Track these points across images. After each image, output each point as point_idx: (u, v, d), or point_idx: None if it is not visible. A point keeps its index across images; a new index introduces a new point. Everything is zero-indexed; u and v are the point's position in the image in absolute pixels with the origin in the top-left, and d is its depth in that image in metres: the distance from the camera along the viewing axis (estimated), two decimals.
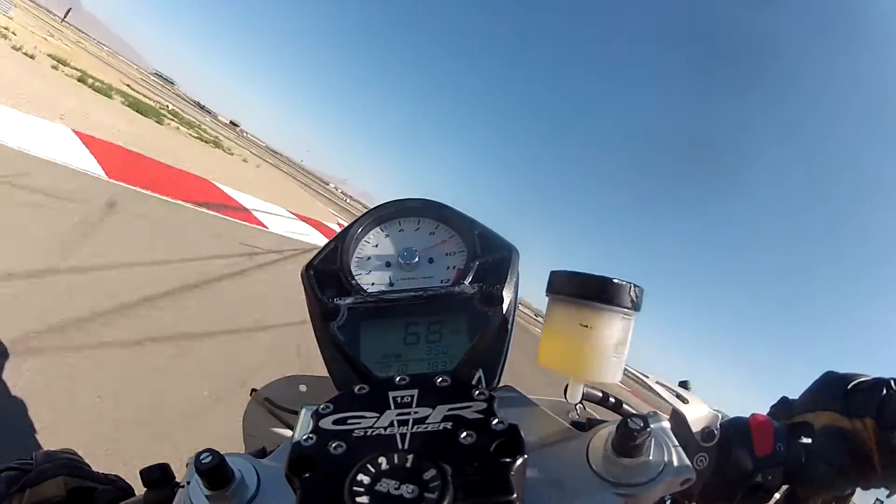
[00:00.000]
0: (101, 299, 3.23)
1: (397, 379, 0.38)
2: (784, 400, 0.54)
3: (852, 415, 0.46)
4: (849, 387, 0.47)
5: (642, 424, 0.36)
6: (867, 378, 0.48)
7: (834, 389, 0.48)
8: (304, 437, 0.33)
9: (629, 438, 0.37)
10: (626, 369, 0.51)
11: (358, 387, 0.38)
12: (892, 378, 0.47)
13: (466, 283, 0.55)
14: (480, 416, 0.33)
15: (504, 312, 0.54)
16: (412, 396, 0.36)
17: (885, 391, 0.45)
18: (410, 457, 0.30)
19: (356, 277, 0.57)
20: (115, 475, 0.56)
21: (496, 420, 0.32)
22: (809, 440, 0.48)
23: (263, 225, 8.67)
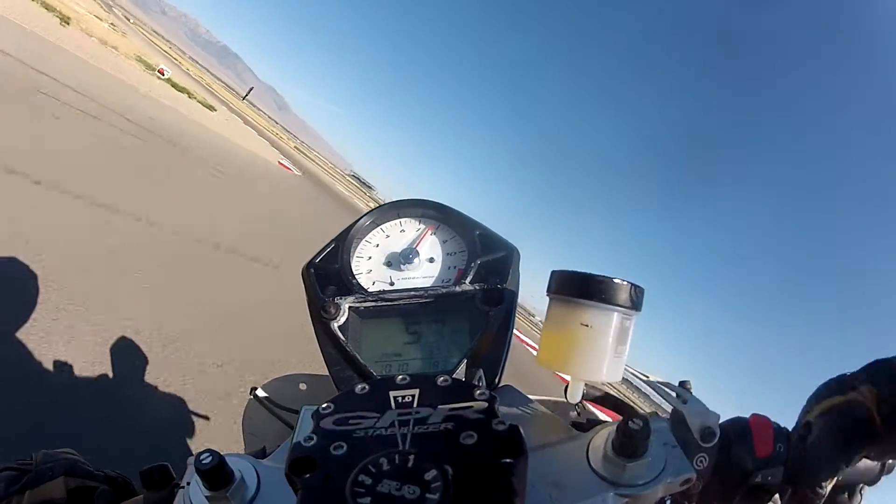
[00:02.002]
0: None
1: (398, 378, 0.38)
2: None
3: (847, 391, 0.45)
4: (846, 381, 0.47)
5: (642, 425, 0.36)
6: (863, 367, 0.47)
7: (836, 380, 0.48)
8: (305, 438, 0.33)
9: (629, 439, 0.37)
10: (626, 369, 0.51)
11: (359, 386, 0.38)
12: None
13: (467, 282, 0.55)
14: (481, 416, 0.33)
15: (505, 312, 0.54)
16: (413, 396, 0.36)
17: (876, 362, 0.44)
18: (412, 457, 0.30)
19: (357, 277, 0.57)
20: (116, 472, 0.55)
21: (497, 420, 0.32)
22: (810, 436, 0.47)
23: None
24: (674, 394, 0.49)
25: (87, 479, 0.51)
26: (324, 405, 0.36)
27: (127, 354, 2.45)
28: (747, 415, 0.48)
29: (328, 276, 0.57)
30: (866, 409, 0.43)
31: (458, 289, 0.55)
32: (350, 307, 0.54)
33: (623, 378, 0.51)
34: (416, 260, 0.58)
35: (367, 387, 0.38)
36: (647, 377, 0.54)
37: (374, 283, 0.57)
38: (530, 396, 0.52)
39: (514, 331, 0.56)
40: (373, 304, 0.55)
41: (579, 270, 0.49)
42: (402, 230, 0.61)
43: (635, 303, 0.48)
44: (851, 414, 0.44)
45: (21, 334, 2.10)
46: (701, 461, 0.43)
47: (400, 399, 0.36)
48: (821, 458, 0.44)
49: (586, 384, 0.53)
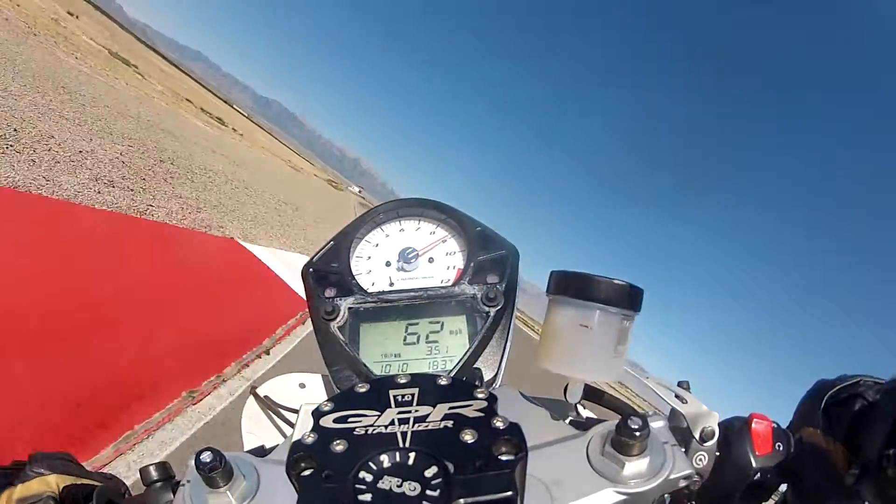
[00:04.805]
0: None
1: (398, 378, 0.38)
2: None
3: (827, 433, 0.46)
4: (826, 398, 0.47)
5: (641, 424, 0.37)
6: (847, 383, 0.47)
7: (815, 402, 0.48)
8: (305, 435, 0.33)
9: (629, 438, 0.37)
10: (625, 369, 0.51)
11: (359, 385, 0.38)
12: (872, 387, 0.45)
13: (466, 282, 0.55)
14: (481, 414, 0.33)
15: (504, 312, 0.54)
16: (413, 395, 0.36)
17: (857, 407, 0.45)
18: (412, 455, 0.30)
19: (356, 277, 0.57)
20: (110, 474, 0.55)
21: (497, 419, 0.32)
22: (803, 460, 0.47)
23: None
24: (673, 394, 0.49)
25: (80, 478, 0.51)
26: (323, 403, 0.36)
27: None
28: (746, 414, 0.48)
29: (328, 276, 0.57)
30: (838, 468, 0.44)
31: (457, 289, 0.55)
32: (350, 308, 0.54)
33: (622, 378, 0.52)
34: (415, 260, 0.58)
35: (367, 385, 0.38)
36: (647, 377, 0.54)
37: (373, 284, 0.57)
38: (530, 396, 0.52)
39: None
40: (372, 304, 0.55)
41: (578, 271, 0.49)
42: (402, 230, 0.61)
43: (634, 303, 0.48)
44: (827, 469, 0.45)
45: None
46: (700, 460, 0.43)
47: (400, 398, 0.36)
48: (809, 491, 0.45)
49: (586, 384, 0.53)
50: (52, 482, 0.48)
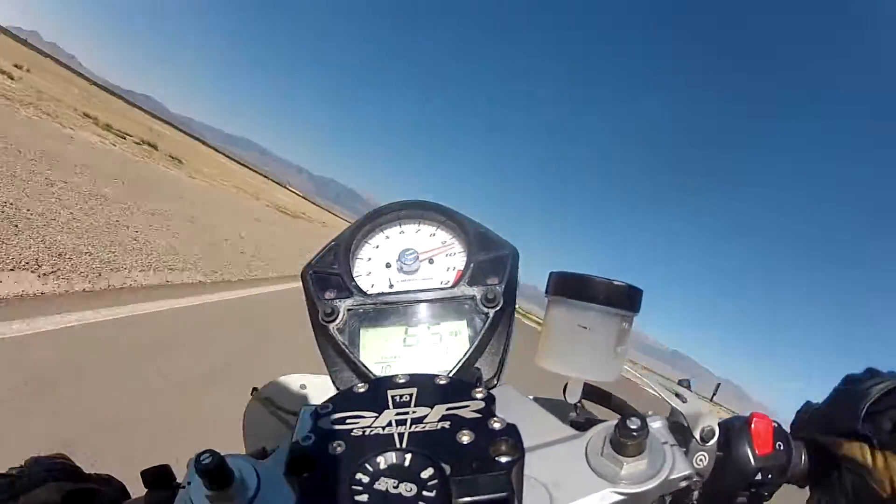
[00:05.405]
0: None
1: (397, 378, 0.38)
2: (808, 406, 0.51)
3: (874, 445, 0.43)
4: (867, 407, 0.44)
5: (641, 424, 0.37)
6: (884, 392, 0.45)
7: (851, 408, 0.45)
8: (303, 437, 0.33)
9: (628, 438, 0.37)
10: (625, 369, 0.51)
11: (358, 386, 0.38)
12: None
13: (466, 284, 0.55)
14: (479, 415, 0.33)
15: (504, 313, 0.54)
16: (411, 395, 0.36)
17: None
18: (409, 456, 0.31)
19: (356, 279, 0.57)
20: (107, 475, 0.55)
21: (495, 420, 0.32)
22: (835, 471, 0.45)
23: None
24: (673, 393, 0.49)
25: (80, 483, 0.51)
26: (322, 405, 0.36)
27: None
28: (746, 414, 0.48)
29: (328, 277, 0.57)
30: (885, 485, 0.41)
31: (456, 290, 0.55)
32: (349, 309, 0.55)
33: (622, 378, 0.52)
34: (415, 262, 0.58)
35: (365, 386, 0.38)
36: (647, 377, 0.54)
37: (373, 286, 0.57)
38: (529, 396, 0.52)
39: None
40: (372, 306, 0.55)
41: (577, 272, 0.49)
42: (402, 232, 0.62)
43: (633, 304, 0.48)
44: (873, 495, 0.42)
45: None
46: (700, 460, 0.43)
47: (398, 398, 0.36)
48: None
49: (586, 383, 0.53)
50: (55, 489, 0.48)
